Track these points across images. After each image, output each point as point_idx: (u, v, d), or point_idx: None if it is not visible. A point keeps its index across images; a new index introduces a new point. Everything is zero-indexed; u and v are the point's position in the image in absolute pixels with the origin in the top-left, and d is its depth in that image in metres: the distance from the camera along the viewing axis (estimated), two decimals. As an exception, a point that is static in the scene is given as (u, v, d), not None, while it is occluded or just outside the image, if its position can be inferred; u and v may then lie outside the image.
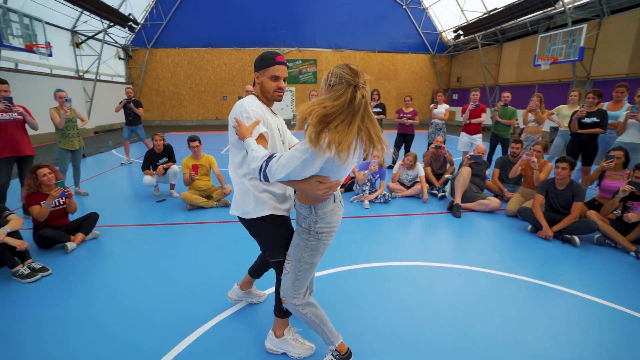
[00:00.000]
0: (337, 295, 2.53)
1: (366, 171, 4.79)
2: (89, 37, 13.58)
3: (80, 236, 3.34)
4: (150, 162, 4.92)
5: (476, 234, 3.82)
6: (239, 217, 1.80)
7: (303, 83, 18.16)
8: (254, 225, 1.77)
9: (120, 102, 7.03)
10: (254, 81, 1.80)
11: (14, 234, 2.84)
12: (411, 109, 6.72)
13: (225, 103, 18.13)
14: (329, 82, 1.40)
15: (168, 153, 5.05)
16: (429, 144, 6.64)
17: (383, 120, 6.89)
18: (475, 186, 4.70)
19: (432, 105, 6.84)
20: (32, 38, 8.96)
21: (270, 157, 1.43)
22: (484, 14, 14.57)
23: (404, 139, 6.88)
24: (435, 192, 5.15)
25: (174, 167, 4.99)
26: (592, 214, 3.55)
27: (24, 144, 3.99)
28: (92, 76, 13.81)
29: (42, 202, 3.15)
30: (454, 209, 4.34)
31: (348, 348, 1.85)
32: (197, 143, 4.51)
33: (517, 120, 6.04)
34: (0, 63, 9.03)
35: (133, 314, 2.31)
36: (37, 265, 2.80)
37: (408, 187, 5.19)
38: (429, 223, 4.14)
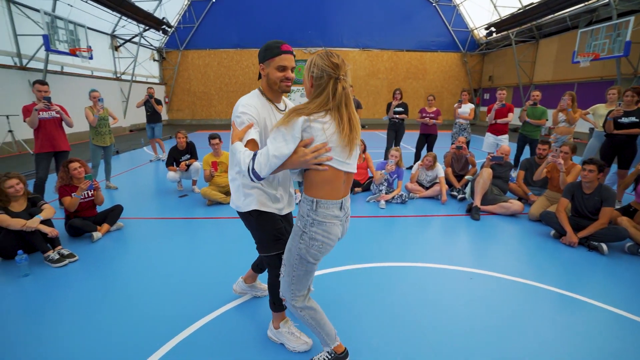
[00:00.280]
0: (342, 293, 2.53)
1: (383, 171, 4.74)
2: (126, 41, 14.38)
3: (105, 227, 3.57)
4: (174, 158, 5.15)
5: (494, 237, 3.68)
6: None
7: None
8: (245, 219, 1.85)
9: (143, 99, 7.43)
10: (259, 73, 1.75)
11: (47, 222, 3.09)
12: (434, 109, 6.56)
13: (253, 103, 18.51)
14: (312, 72, 1.43)
15: (190, 150, 5.26)
16: (453, 144, 6.45)
17: (405, 120, 6.79)
18: (497, 188, 4.52)
19: (456, 105, 6.63)
20: (75, 43, 9.63)
21: (255, 154, 1.44)
22: (518, 10, 13.90)
23: (427, 139, 6.72)
24: (455, 193, 5.00)
25: (196, 164, 5.19)
26: (623, 220, 3.30)
27: (60, 140, 4.31)
28: (129, 77, 14.62)
29: (72, 194, 3.40)
30: (472, 211, 4.20)
31: (345, 348, 1.85)
32: (217, 141, 4.67)
33: (547, 120, 5.73)
34: (48, 66, 9.77)
35: (148, 298, 2.45)
36: (65, 252, 3.03)
37: (427, 188, 5.08)
38: (446, 225, 4.04)
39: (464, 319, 2.26)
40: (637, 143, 4.42)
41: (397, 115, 6.67)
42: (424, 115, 6.57)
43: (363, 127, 17.20)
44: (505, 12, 15.15)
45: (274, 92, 1.74)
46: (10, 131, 8.45)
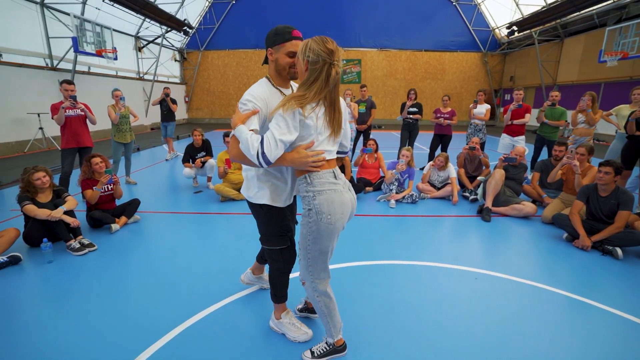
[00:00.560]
0: (347, 288, 2.58)
1: (394, 170, 4.75)
2: (149, 42, 14.88)
3: (123, 219, 3.75)
4: (190, 155, 5.33)
5: (505, 239, 3.63)
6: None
7: (347, 83, 18.19)
8: (253, 209, 1.88)
9: (159, 97, 7.63)
10: (266, 57, 1.70)
11: (69, 213, 3.29)
12: (449, 109, 6.49)
13: (270, 103, 18.77)
14: (307, 56, 1.47)
15: (206, 148, 5.43)
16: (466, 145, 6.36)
17: (419, 120, 6.74)
18: (510, 190, 4.44)
19: (471, 105, 6.54)
20: (101, 44, 10.06)
21: (262, 138, 1.47)
22: (542, 8, 13.48)
23: (441, 140, 6.65)
24: (467, 194, 4.94)
25: (211, 161, 5.35)
26: (640, 224, 3.20)
27: (84, 136, 4.55)
28: (151, 77, 15.13)
29: (93, 187, 3.60)
30: (483, 213, 4.14)
31: (344, 342, 1.90)
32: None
33: (566, 121, 5.57)
34: (76, 67, 10.27)
35: (161, 286, 2.58)
36: (86, 241, 3.21)
37: (438, 189, 5.04)
38: (455, 225, 4.01)
39: (467, 318, 2.27)
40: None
41: (411, 116, 6.63)
42: (438, 115, 6.50)
43: (379, 127, 17.15)
44: (528, 11, 14.73)
45: (282, 78, 1.71)
46: (40, 128, 8.93)
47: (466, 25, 17.82)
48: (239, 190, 4.88)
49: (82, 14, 10.29)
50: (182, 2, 15.29)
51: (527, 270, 2.92)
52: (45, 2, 9.46)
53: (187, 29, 15.53)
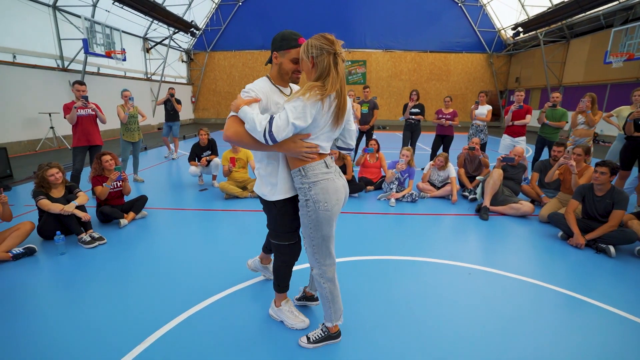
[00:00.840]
0: (344, 281, 2.66)
1: (394, 170, 4.84)
2: (157, 43, 15.13)
3: (131, 215, 3.91)
4: (196, 154, 5.48)
5: (501, 237, 3.70)
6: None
7: (352, 84, 18.29)
8: (266, 206, 1.93)
9: (164, 97, 7.77)
10: (270, 59, 1.77)
11: (81, 208, 3.44)
12: (451, 110, 6.56)
13: (275, 103, 18.95)
14: (311, 53, 1.54)
15: (211, 147, 5.57)
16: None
17: (421, 121, 6.82)
18: (509, 190, 4.51)
19: (473, 106, 6.60)
20: (111, 46, 10.30)
21: (272, 117, 1.54)
22: (548, 9, 13.45)
23: (443, 141, 6.72)
24: (466, 194, 5.02)
25: (216, 160, 5.50)
26: (634, 223, 3.25)
27: (95, 135, 4.72)
28: (158, 78, 15.38)
29: (103, 184, 3.75)
30: (481, 211, 4.22)
31: (339, 329, 2.01)
32: (235, 138, 4.93)
33: (567, 122, 5.61)
34: (86, 68, 10.52)
35: (166, 277, 2.72)
36: (96, 235, 3.36)
37: (438, 188, 5.12)
38: (453, 224, 4.09)
39: (460, 311, 2.36)
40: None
41: (413, 116, 6.72)
42: (440, 116, 6.58)
43: (384, 128, 17.21)
44: (533, 12, 14.69)
45: (283, 80, 1.80)
46: (51, 127, 9.18)
47: (472, 26, 17.82)
48: (243, 188, 5.02)
49: (93, 16, 10.57)
50: (190, 4, 15.54)
51: (522, 267, 3.00)
52: (57, 4, 9.72)
53: (194, 31, 15.76)
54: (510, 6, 15.83)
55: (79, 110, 4.51)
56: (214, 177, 5.64)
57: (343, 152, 1.91)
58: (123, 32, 11.15)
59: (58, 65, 10.08)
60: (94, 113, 4.69)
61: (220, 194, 5.06)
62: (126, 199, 4.14)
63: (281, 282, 2.12)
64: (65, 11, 10.07)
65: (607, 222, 3.26)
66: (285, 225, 1.93)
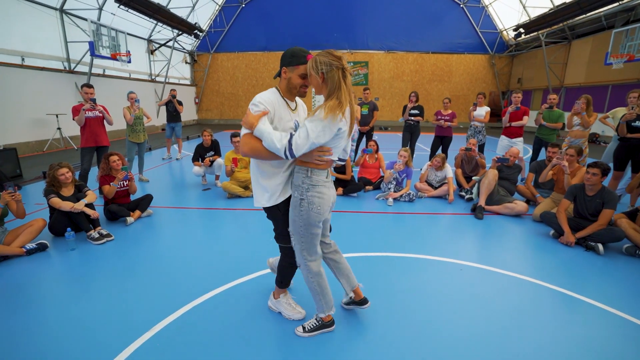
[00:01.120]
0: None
1: (392, 170, 4.96)
2: (161, 45, 15.34)
3: (137, 213, 4.06)
4: (199, 154, 5.63)
5: (494, 235, 3.81)
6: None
7: (354, 85, 18.42)
8: (270, 212, 2.02)
9: (165, 99, 7.91)
10: (279, 72, 1.86)
11: (89, 206, 3.59)
12: (450, 111, 6.66)
13: (277, 104, 19.10)
14: (321, 70, 1.66)
15: (215, 147, 5.72)
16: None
17: (420, 122, 6.93)
18: (504, 189, 4.61)
19: (471, 108, 6.70)
20: (116, 48, 10.49)
21: (291, 135, 1.67)
22: (549, 10, 13.50)
23: (441, 142, 6.83)
24: (463, 194, 5.12)
25: (219, 160, 5.64)
26: (623, 221, 3.35)
27: (102, 136, 4.88)
28: (162, 79, 15.59)
29: (110, 183, 3.91)
30: (476, 211, 4.33)
31: (332, 318, 2.14)
32: (238, 139, 5.08)
33: (564, 123, 5.70)
34: (92, 70, 10.73)
35: (171, 272, 2.86)
36: (104, 232, 3.51)
37: (436, 188, 5.23)
38: (449, 222, 4.20)
39: (453, 306, 2.47)
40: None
41: (413, 118, 6.83)
42: (439, 117, 6.68)
43: (385, 129, 17.31)
44: (535, 13, 14.74)
45: (291, 94, 1.90)
46: (59, 128, 9.38)
47: (474, 27, 17.87)
48: (245, 187, 5.16)
49: (99, 19, 10.77)
50: (193, 6, 15.75)
51: (513, 264, 3.11)
52: (64, 8, 9.93)
53: (198, 32, 15.96)
54: (512, 7, 15.88)
55: (87, 112, 4.67)
56: (217, 177, 5.79)
57: (338, 162, 1.99)
58: (128, 34, 11.35)
59: (65, 68, 10.29)
60: (101, 115, 4.84)
61: (223, 194, 5.20)
62: (132, 197, 4.29)
63: (284, 279, 2.25)
64: (72, 14, 10.28)
65: (597, 220, 3.36)
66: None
